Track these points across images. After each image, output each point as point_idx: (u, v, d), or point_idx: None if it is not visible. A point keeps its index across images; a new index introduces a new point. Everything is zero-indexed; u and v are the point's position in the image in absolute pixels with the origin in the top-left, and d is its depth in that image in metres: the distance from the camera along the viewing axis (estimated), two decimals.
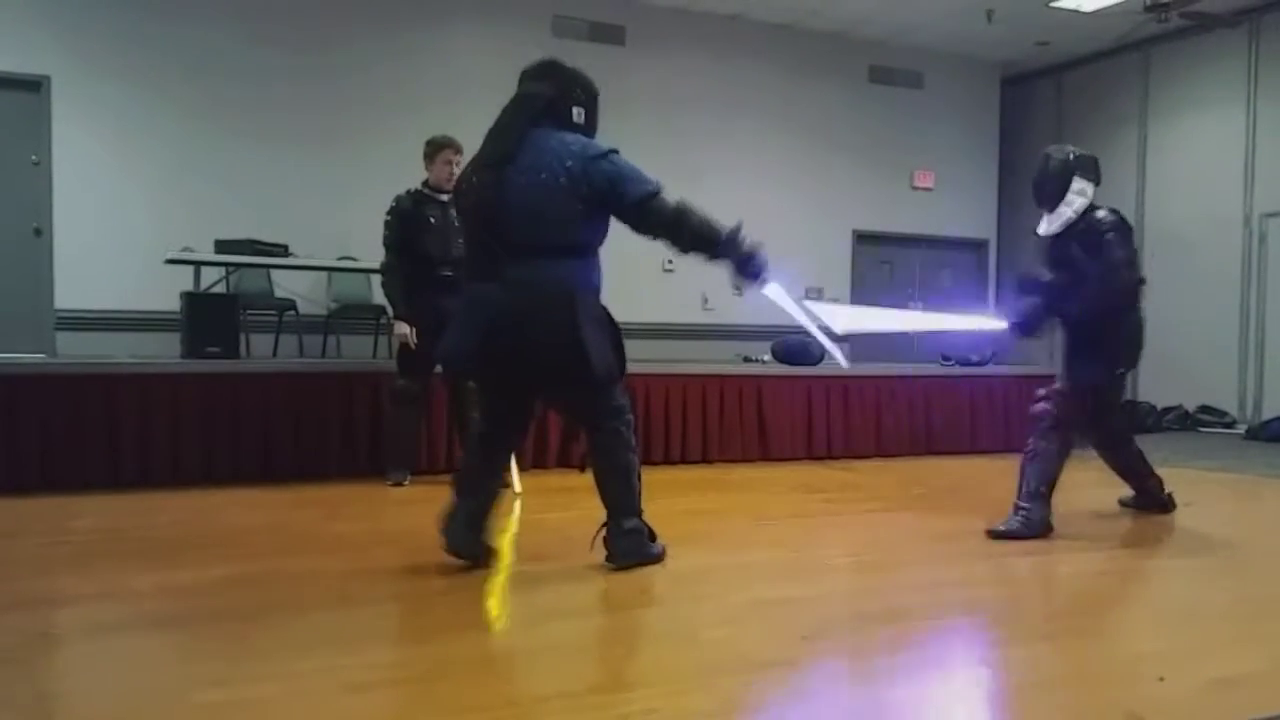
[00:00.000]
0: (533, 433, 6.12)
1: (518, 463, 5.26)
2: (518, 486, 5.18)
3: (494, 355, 3.25)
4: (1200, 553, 4.06)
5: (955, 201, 11.61)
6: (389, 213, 5.26)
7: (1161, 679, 2.30)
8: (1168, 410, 10.04)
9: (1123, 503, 4.78)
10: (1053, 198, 4.25)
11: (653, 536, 3.44)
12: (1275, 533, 4.61)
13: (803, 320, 3.90)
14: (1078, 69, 11.68)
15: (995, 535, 4.09)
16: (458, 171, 5.06)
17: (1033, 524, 4.10)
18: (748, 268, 3.36)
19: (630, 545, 3.35)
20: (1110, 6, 9.68)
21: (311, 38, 8.68)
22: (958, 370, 7.71)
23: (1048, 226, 4.28)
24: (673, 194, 3.33)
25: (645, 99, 9.65)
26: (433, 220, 5.18)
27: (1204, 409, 10.00)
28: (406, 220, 5.20)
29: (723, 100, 10.24)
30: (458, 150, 5.16)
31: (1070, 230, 4.21)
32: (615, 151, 3.33)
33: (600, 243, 3.41)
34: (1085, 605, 3.10)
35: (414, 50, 9.02)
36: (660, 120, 9.72)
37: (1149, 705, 2.14)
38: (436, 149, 5.24)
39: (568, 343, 3.16)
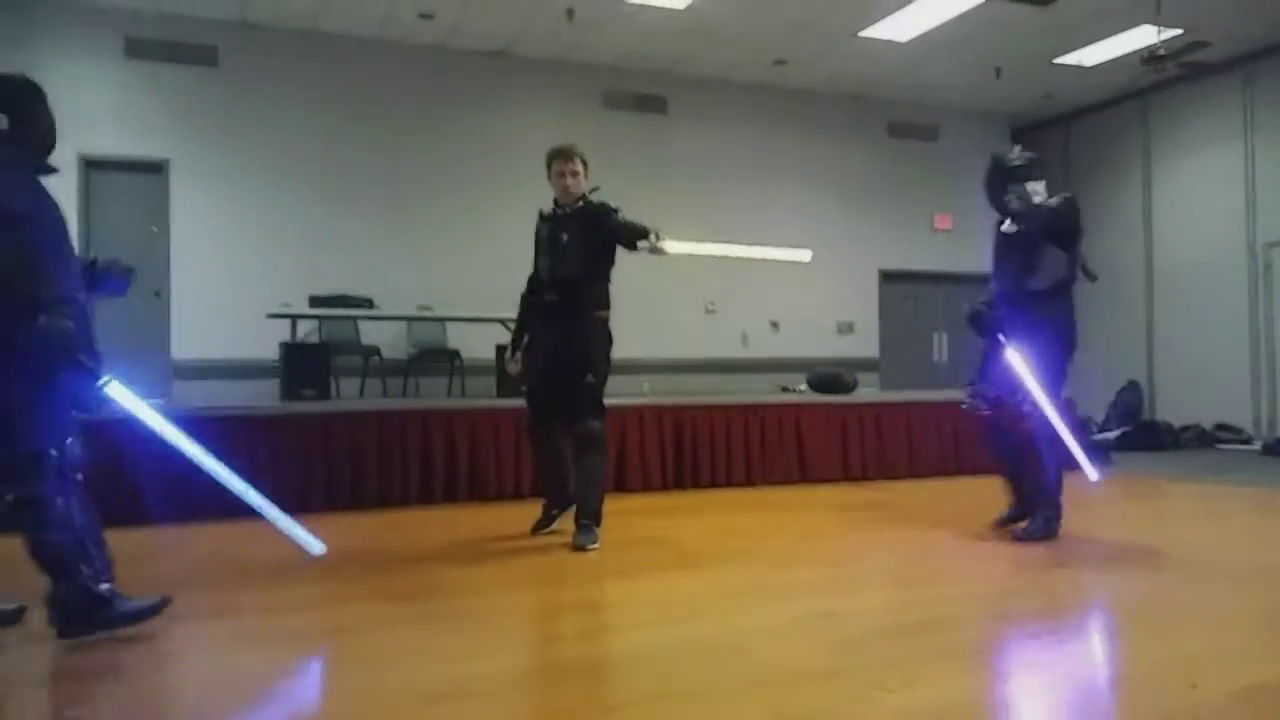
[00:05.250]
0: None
1: None
2: None
3: None
4: (1226, 564, 3.86)
5: (972, 241, 11.41)
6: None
7: (1194, 686, 2.17)
8: (1186, 428, 9.71)
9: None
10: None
11: None
12: None
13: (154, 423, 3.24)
14: (1082, 118, 11.49)
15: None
16: (572, 183, 4.17)
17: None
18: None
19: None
20: (1110, 61, 9.54)
21: (391, 121, 8.90)
22: None
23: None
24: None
25: (686, 162, 9.75)
26: (542, 238, 4.26)
27: (1220, 426, 9.65)
28: (535, 237, 4.31)
29: (756, 160, 10.25)
30: (569, 159, 4.17)
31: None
32: None
33: None
34: (1116, 614, 2.95)
35: (481, 128, 9.20)
36: (701, 181, 9.76)
37: (1181, 712, 2.01)
38: (548, 162, 4.25)
39: None
